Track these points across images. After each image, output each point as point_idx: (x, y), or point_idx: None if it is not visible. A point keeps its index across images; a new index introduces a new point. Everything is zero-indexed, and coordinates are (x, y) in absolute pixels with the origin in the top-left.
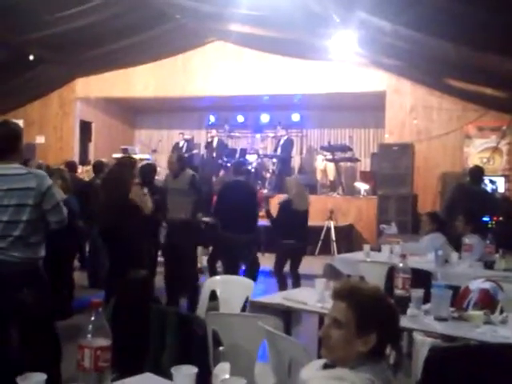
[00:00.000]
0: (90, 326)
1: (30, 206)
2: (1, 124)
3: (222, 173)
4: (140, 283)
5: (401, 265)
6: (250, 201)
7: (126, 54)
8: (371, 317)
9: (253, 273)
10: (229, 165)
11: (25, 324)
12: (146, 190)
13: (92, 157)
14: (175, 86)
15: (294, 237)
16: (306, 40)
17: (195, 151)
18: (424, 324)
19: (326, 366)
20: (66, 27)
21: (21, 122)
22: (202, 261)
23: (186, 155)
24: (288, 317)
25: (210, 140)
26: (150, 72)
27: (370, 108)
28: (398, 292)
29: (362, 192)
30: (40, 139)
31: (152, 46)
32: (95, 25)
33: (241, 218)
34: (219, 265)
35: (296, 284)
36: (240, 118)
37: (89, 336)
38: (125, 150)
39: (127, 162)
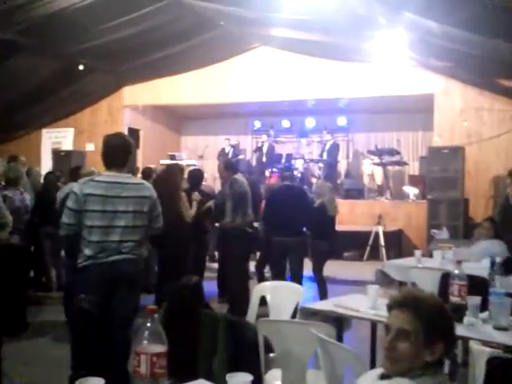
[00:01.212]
0: (146, 332)
1: (144, 212)
2: (116, 136)
3: (267, 178)
4: (191, 289)
5: (456, 271)
6: (300, 203)
7: (172, 62)
8: (438, 326)
9: (299, 277)
10: (274, 170)
11: None
12: (197, 194)
13: (140, 163)
14: (221, 92)
15: (329, 240)
16: (351, 43)
17: (241, 156)
18: (482, 333)
19: (383, 377)
20: (114, 37)
21: (71, 131)
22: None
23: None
24: (339, 324)
25: (260, 145)
26: (196, 79)
27: (418, 110)
28: (454, 299)
29: (411, 196)
30: (90, 147)
31: (197, 53)
32: (142, 34)
33: (291, 222)
34: (266, 270)
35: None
36: (285, 123)
37: (145, 342)
38: (172, 157)
39: (175, 169)
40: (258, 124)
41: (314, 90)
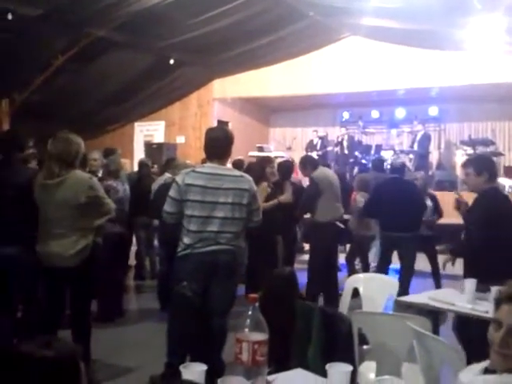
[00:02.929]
0: (248, 320)
1: (244, 205)
2: (220, 129)
3: (356, 170)
4: (285, 280)
5: None
6: (412, 197)
7: (261, 54)
8: None
9: (411, 272)
10: (363, 161)
11: None
12: (265, 185)
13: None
14: (310, 84)
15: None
16: (443, 30)
17: (329, 148)
18: None
19: (486, 371)
20: (204, 31)
21: (162, 124)
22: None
23: (320, 153)
24: (435, 317)
25: (341, 138)
26: (284, 70)
27: None
28: None
29: (507, 188)
30: (180, 139)
31: (286, 45)
32: (231, 27)
33: (401, 216)
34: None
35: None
36: (374, 114)
37: (246, 330)
38: (260, 149)
39: (260, 161)
40: (346, 115)
41: (405, 80)
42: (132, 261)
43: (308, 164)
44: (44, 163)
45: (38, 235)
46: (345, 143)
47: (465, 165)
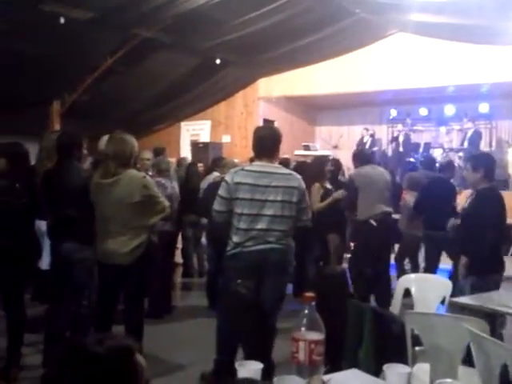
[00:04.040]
0: (304, 320)
1: (293, 203)
2: (268, 127)
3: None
4: (336, 278)
5: None
6: (450, 198)
7: (307, 52)
8: None
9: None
10: (411, 160)
11: None
12: (329, 186)
13: None
14: (356, 81)
15: None
16: (494, 24)
17: (376, 147)
18: None
19: None
20: (249, 30)
21: (208, 123)
22: None
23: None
24: (492, 320)
25: (396, 135)
26: (330, 68)
27: None
28: None
29: None
30: (226, 138)
31: (332, 43)
32: (276, 25)
33: (448, 215)
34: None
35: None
36: (423, 111)
37: (303, 329)
38: (306, 147)
39: (316, 161)
40: (393, 113)
41: (454, 76)
42: (178, 258)
43: (356, 160)
44: (97, 163)
45: (96, 233)
46: (400, 139)
47: (464, 160)
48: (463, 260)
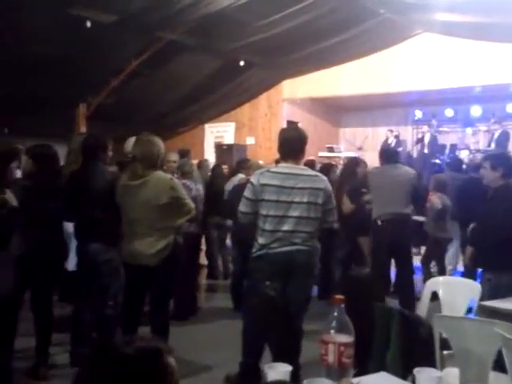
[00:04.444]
0: (334, 322)
1: (319, 204)
2: (294, 129)
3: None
4: (363, 281)
5: None
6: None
7: (331, 53)
8: None
9: None
10: (437, 161)
11: None
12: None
13: None
14: (381, 82)
15: None
16: None
17: (400, 148)
18: None
19: None
20: (273, 32)
21: (232, 125)
22: None
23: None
24: None
25: (420, 136)
26: (355, 69)
27: None
28: None
29: None
30: (250, 140)
31: (357, 43)
32: (301, 27)
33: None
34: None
35: None
36: (449, 112)
37: (332, 331)
38: (330, 149)
39: (355, 162)
40: (419, 114)
41: (481, 76)
42: (203, 260)
43: (381, 158)
44: (123, 165)
45: (123, 234)
46: (426, 140)
47: (483, 159)
48: (469, 251)
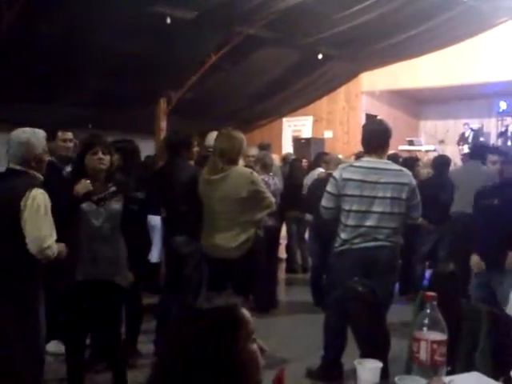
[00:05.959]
0: (426, 319)
1: (403, 199)
2: (378, 122)
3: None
4: (449, 278)
5: None
6: None
7: (412, 44)
8: None
9: None
10: None
11: None
12: None
13: None
14: (462, 73)
15: None
16: None
17: (481, 140)
18: None
19: None
20: (352, 24)
21: (310, 119)
22: None
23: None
24: None
25: (503, 129)
26: (435, 60)
27: None
28: None
29: None
30: (328, 134)
31: (439, 34)
32: (380, 18)
33: None
34: None
35: None
36: None
37: (424, 329)
38: (411, 142)
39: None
40: (503, 105)
41: None
42: (282, 253)
43: (471, 154)
44: (204, 159)
45: (204, 227)
46: (509, 133)
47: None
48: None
